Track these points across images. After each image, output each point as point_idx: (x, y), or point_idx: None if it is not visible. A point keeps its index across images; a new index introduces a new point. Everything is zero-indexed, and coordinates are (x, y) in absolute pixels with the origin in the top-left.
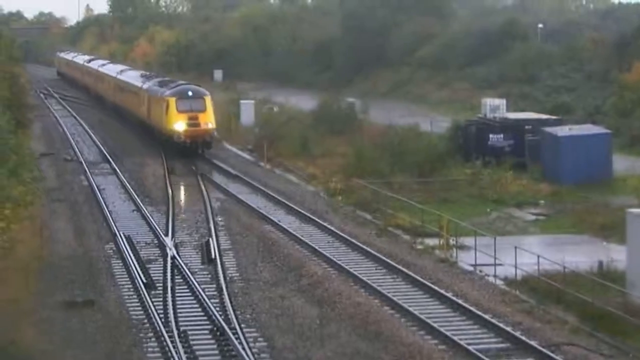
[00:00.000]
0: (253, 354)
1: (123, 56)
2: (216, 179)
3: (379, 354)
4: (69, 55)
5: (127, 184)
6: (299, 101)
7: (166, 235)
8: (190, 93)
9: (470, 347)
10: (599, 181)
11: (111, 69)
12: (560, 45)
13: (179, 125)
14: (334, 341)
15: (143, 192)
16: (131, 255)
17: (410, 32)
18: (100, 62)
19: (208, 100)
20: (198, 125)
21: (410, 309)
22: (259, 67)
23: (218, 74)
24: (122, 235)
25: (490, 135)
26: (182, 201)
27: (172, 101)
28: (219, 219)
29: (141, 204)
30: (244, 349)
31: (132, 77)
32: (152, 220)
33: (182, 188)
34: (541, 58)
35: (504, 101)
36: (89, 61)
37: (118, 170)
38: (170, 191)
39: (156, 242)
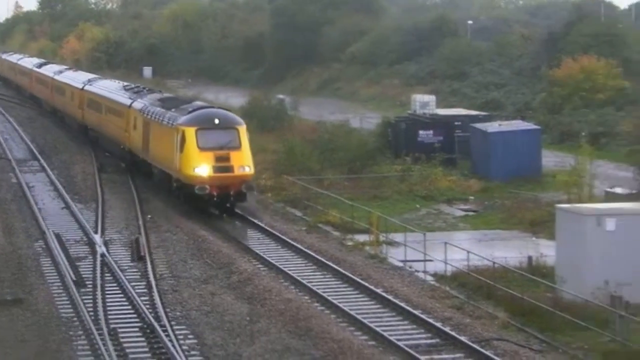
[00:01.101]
0: (183, 351)
1: (52, 53)
2: (146, 177)
3: (309, 351)
4: (12, 57)
5: (57, 182)
6: (229, 98)
7: (96, 232)
8: (217, 121)
9: (400, 343)
10: (528, 177)
11: (74, 78)
12: (490, 42)
13: (202, 169)
14: (264, 338)
15: (72, 189)
16: (60, 253)
17: (340, 28)
18: (56, 68)
19: (243, 132)
20: (230, 170)
21: (341, 305)
22: (189, 63)
23: (147, 71)
24: (51, 233)
25: (420, 132)
26: (112, 199)
27: (191, 133)
28: (149, 216)
29: (70, 202)
30: (173, 346)
31: (111, 90)
32: (81, 217)
33: (112, 186)
34: (471, 54)
35: (433, 97)
36: (40, 66)
37: (47, 168)
38: (99, 189)
39: (86, 239)
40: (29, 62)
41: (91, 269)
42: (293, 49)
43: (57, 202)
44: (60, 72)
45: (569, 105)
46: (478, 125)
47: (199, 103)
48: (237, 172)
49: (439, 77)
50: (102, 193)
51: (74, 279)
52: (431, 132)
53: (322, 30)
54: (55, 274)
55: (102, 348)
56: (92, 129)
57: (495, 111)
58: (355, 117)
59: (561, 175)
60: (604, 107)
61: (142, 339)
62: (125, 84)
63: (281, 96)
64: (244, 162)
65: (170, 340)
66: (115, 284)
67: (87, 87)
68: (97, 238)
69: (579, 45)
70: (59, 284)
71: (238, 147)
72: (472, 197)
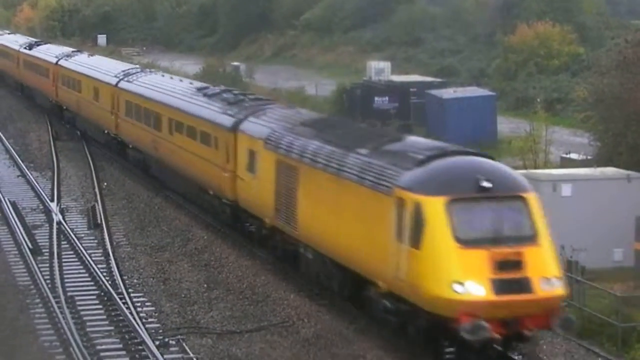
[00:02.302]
0: (140, 319)
1: (6, 21)
2: (100, 146)
3: (267, 317)
4: None
5: (12, 150)
6: (184, 65)
7: (52, 200)
8: (486, 184)
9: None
10: (483, 143)
11: (98, 68)
12: (445, 8)
13: (471, 287)
14: (221, 305)
15: (28, 157)
16: (17, 221)
17: None
18: (57, 50)
19: (535, 205)
20: (526, 287)
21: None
22: (143, 31)
23: (102, 39)
24: (7, 201)
25: (376, 98)
26: (68, 167)
27: (436, 208)
28: (105, 184)
29: (26, 170)
30: (131, 313)
31: (176, 93)
32: (37, 185)
33: (67, 153)
34: (426, 21)
35: (388, 64)
36: (30, 47)
37: (2, 136)
38: (55, 157)
39: (42, 207)
40: (12, 40)
41: (47, 237)
42: (247, 15)
43: (13, 170)
44: (68, 56)
45: (524, 71)
46: (433, 92)
47: (427, 142)
48: (541, 291)
49: (394, 43)
50: (57, 161)
51: (31, 247)
52: (387, 98)
53: None
54: (12, 242)
55: (60, 316)
56: (136, 149)
57: (450, 77)
58: (310, 84)
59: (517, 141)
60: (559, 73)
61: (100, 306)
62: (200, 85)
63: (236, 63)
64: (548, 270)
65: (128, 308)
66: (72, 252)
67: (123, 85)
68: (53, 206)
69: (533, 12)
70: (16, 252)
71: (533, 238)
72: None
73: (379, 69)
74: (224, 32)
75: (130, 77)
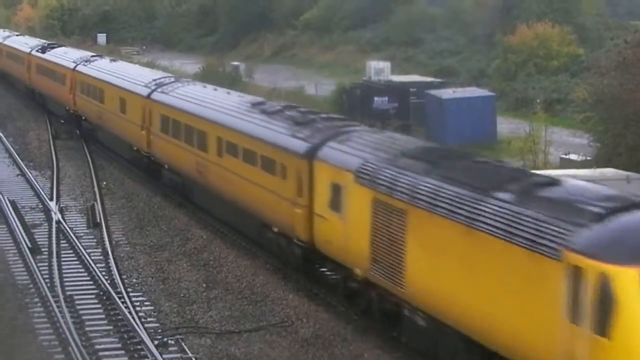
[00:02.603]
0: (139, 318)
1: (6, 21)
2: (103, 146)
3: (266, 317)
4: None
5: (11, 148)
6: (184, 65)
7: (51, 199)
8: None
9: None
10: (483, 143)
11: (128, 76)
12: (444, 8)
13: None
14: (220, 304)
15: (27, 156)
16: (16, 219)
17: None
18: (76, 54)
19: None
20: None
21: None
22: (143, 30)
23: (102, 38)
24: (6, 200)
25: (375, 98)
26: (67, 166)
27: (634, 281)
28: (104, 183)
29: (25, 169)
30: (130, 313)
31: (226, 108)
32: (36, 184)
33: (66, 152)
34: (425, 21)
35: (388, 64)
36: (43, 50)
37: (1, 135)
38: (54, 156)
39: (41, 206)
40: (21, 42)
41: (47, 236)
42: (247, 15)
43: (12, 169)
44: (87, 61)
45: (524, 72)
46: (433, 92)
47: (595, 188)
48: None
49: (393, 43)
50: (57, 160)
51: (30, 246)
52: (386, 98)
53: None
54: (11, 241)
55: (59, 315)
56: (174, 170)
57: (449, 78)
58: (310, 83)
59: (516, 141)
60: (558, 74)
61: (99, 306)
62: (254, 99)
63: (235, 63)
64: None
65: (127, 307)
66: (71, 251)
67: (158, 97)
68: (53, 205)
69: (533, 12)
70: (15, 251)
71: None
72: None
73: (379, 69)
74: (224, 31)
75: (164, 87)
